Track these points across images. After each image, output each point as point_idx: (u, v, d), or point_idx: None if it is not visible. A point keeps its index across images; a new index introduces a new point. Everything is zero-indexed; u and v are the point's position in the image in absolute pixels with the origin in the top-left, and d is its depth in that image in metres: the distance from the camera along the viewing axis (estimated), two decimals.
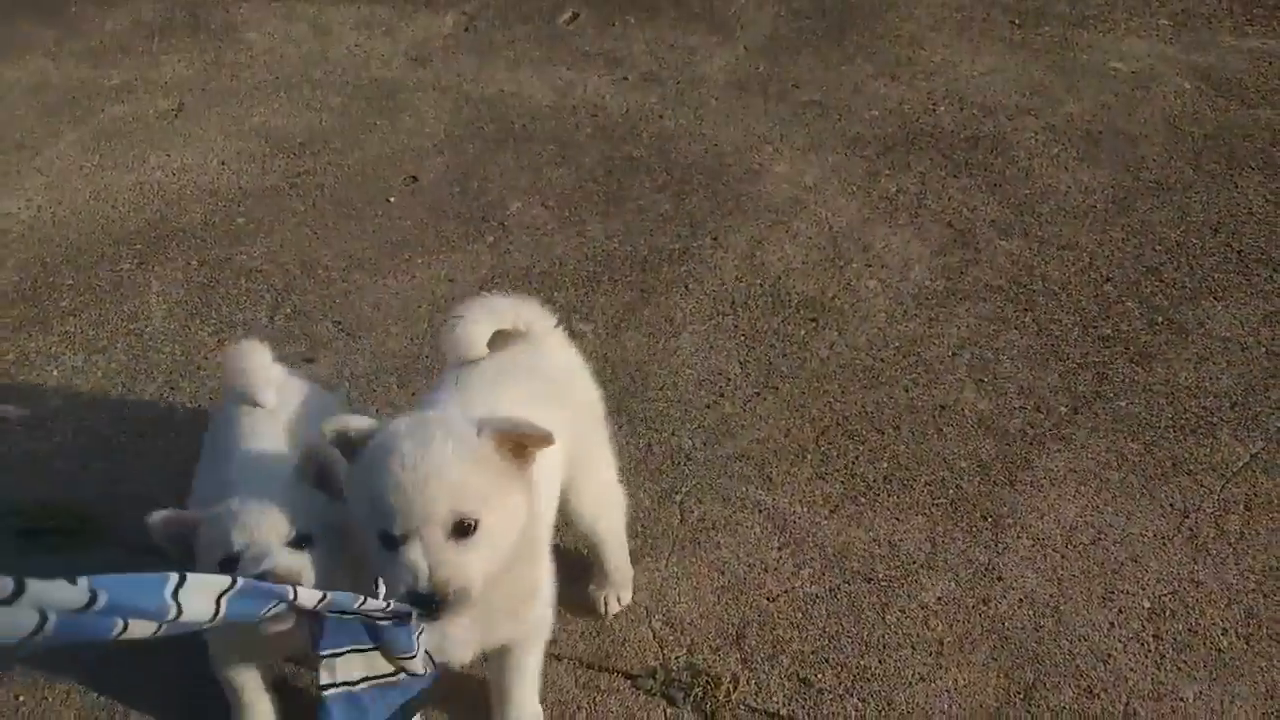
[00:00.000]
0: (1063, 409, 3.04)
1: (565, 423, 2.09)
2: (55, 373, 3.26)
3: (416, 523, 1.63)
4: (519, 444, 1.75)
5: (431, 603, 1.63)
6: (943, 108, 4.43)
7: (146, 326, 3.43)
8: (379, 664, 1.77)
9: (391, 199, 4.02)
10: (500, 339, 2.19)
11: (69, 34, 5.23)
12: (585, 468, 2.30)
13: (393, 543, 1.66)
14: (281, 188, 4.08)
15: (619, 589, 2.52)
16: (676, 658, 2.43)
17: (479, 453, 1.69)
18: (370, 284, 3.60)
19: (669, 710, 2.33)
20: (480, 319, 2.13)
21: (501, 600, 1.86)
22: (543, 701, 2.30)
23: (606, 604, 2.50)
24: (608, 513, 2.43)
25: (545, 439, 1.76)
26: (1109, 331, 3.28)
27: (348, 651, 1.73)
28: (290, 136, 4.39)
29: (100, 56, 5.04)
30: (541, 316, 2.29)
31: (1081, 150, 4.10)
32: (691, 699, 2.33)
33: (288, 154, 4.28)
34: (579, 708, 2.33)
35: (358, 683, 1.77)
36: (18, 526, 2.69)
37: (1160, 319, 3.32)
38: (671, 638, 2.48)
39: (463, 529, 1.64)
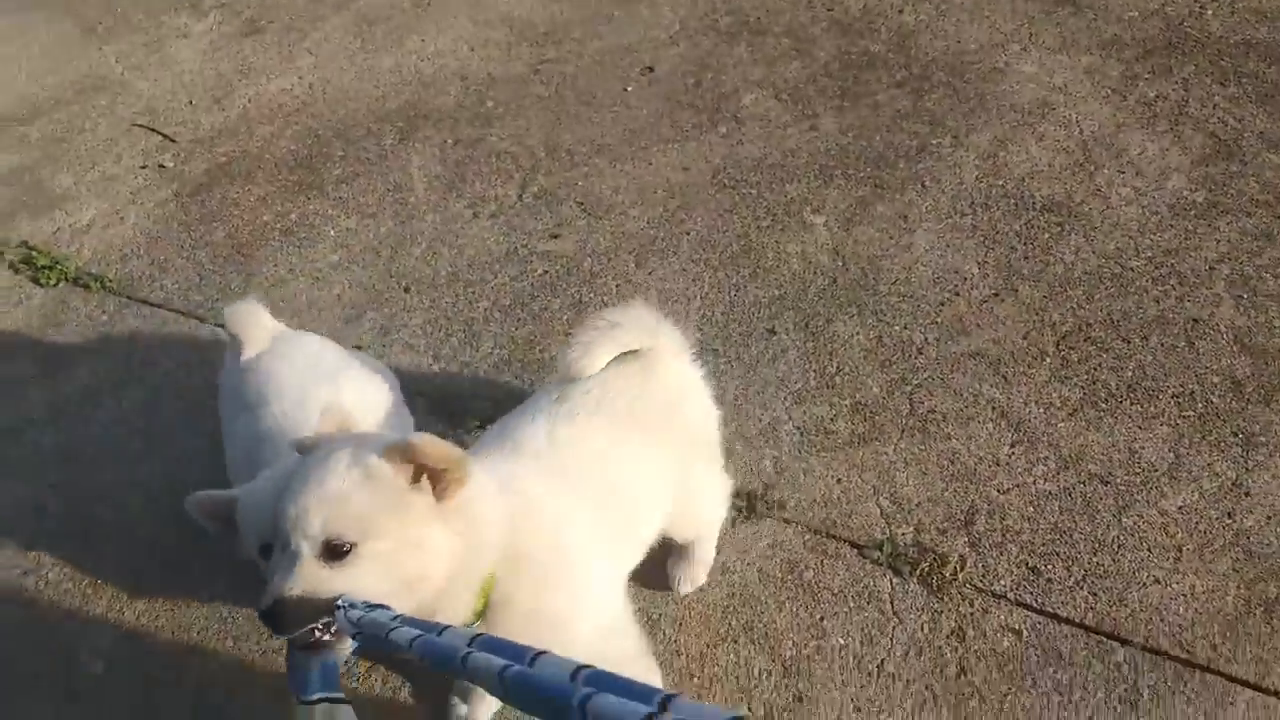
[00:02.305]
0: None
1: (667, 455, 2.03)
2: (332, 232, 3.59)
3: (287, 537, 1.52)
4: (432, 471, 1.55)
5: (272, 620, 1.49)
6: (1210, 11, 4.12)
7: (410, 197, 3.70)
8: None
9: (629, 88, 4.12)
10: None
11: None
12: (690, 494, 2.17)
13: (268, 554, 1.62)
14: (526, 75, 4.26)
15: (695, 573, 2.42)
16: (903, 534, 2.50)
17: (374, 474, 1.52)
18: (609, 169, 3.74)
19: (894, 580, 2.41)
20: (599, 343, 1.98)
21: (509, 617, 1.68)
22: (772, 559, 2.43)
23: (680, 583, 2.41)
24: (708, 531, 2.38)
25: (450, 465, 1.54)
26: None
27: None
28: (533, 25, 4.54)
29: None
30: (663, 335, 2.12)
31: None
32: (918, 573, 2.40)
33: (531, 43, 4.44)
34: (807, 566, 2.45)
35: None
36: None
37: None
38: (899, 515, 2.54)
39: (334, 551, 1.49)
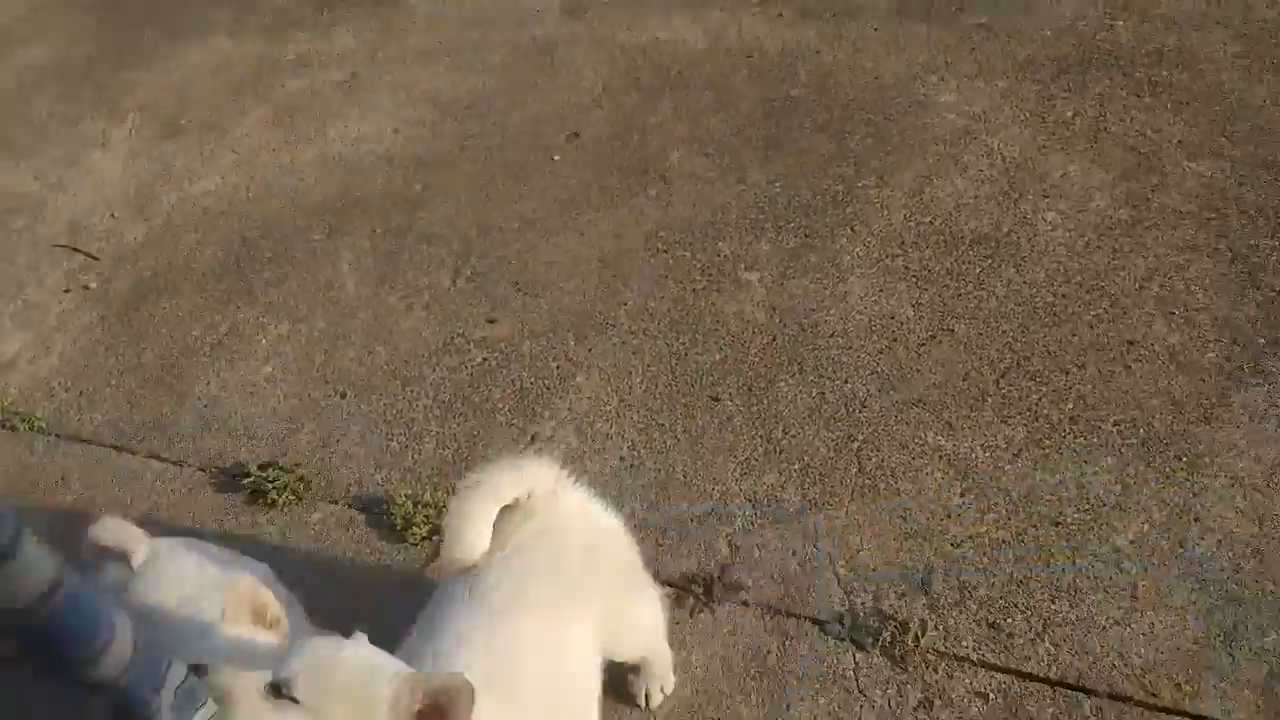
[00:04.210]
0: (1261, 341, 2.89)
1: (595, 608, 1.93)
2: (264, 341, 3.53)
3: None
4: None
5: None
6: (1121, 22, 4.18)
7: (341, 294, 3.66)
8: None
9: (556, 157, 4.11)
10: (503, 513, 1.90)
11: (244, 11, 5.52)
12: (623, 619, 2.07)
13: None
14: (453, 152, 4.24)
15: (662, 679, 2.33)
16: (863, 604, 2.48)
17: (372, 696, 1.51)
18: (542, 243, 3.72)
19: (858, 655, 2.38)
20: (468, 517, 1.84)
21: None
22: (734, 646, 2.40)
23: (649, 695, 2.32)
24: (654, 640, 2.25)
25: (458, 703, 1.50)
26: None
27: None
28: (457, 100, 4.53)
29: (274, 32, 5.30)
30: (544, 478, 1.97)
31: (1279, 60, 3.80)
32: (880, 644, 2.38)
33: (455, 118, 4.43)
34: (769, 651, 2.42)
35: None
36: (247, 487, 2.97)
37: None
38: (856, 584, 2.52)
39: (278, 690, 1.51)
